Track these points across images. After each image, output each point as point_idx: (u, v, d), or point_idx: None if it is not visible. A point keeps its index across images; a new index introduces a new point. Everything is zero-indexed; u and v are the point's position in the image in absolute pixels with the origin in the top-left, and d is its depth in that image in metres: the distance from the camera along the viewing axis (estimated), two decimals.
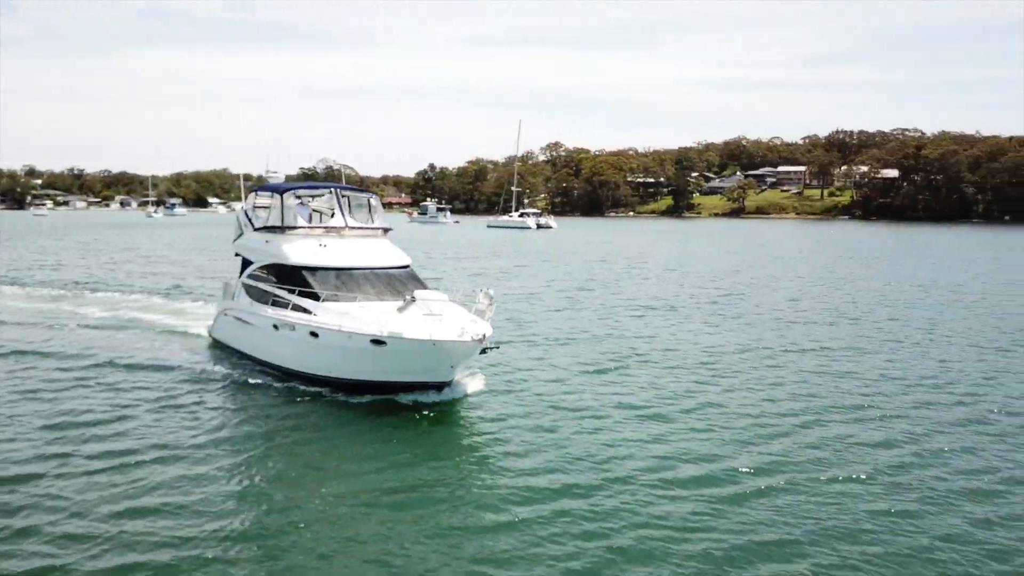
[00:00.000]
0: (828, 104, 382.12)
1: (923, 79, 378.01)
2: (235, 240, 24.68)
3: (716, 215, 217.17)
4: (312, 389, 18.64)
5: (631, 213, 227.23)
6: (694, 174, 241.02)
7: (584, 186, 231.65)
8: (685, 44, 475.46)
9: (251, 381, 19.65)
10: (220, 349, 23.45)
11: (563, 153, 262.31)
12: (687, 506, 12.02)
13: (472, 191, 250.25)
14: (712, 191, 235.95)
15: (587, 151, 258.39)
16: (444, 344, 16.87)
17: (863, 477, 13.19)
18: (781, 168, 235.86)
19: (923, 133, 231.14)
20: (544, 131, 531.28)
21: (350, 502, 12.25)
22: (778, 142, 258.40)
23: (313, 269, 20.02)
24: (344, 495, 12.49)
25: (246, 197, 25.62)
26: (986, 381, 20.20)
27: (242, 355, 22.25)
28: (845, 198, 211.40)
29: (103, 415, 16.34)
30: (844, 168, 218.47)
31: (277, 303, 20.54)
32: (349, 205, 22.84)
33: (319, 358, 18.95)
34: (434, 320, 17.21)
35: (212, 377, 20.20)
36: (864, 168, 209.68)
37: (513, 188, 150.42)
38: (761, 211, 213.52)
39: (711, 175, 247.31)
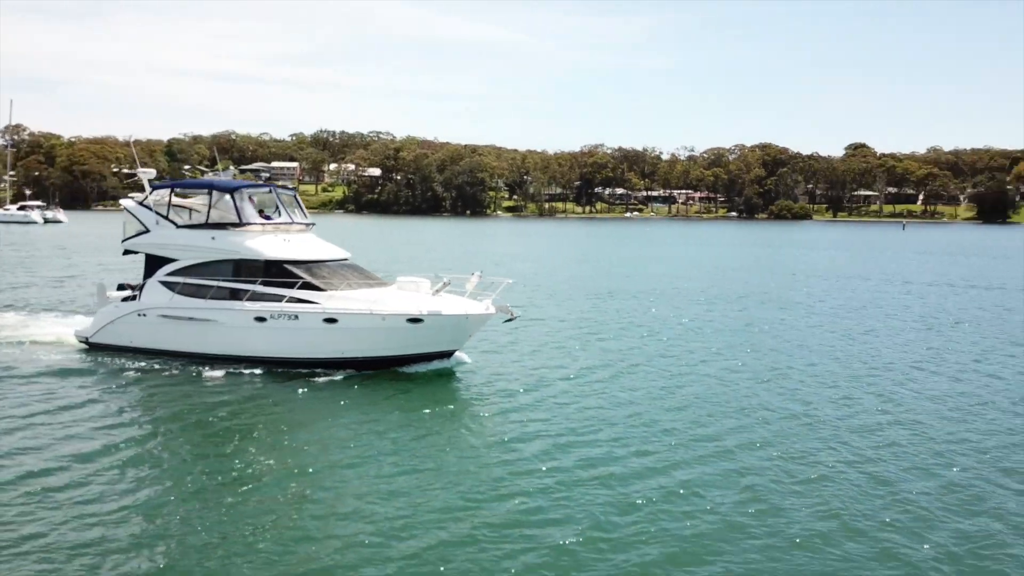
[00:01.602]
0: (306, 102, 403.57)
1: (384, 84, 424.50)
2: (131, 238, 23.85)
3: None
4: (288, 371, 21.25)
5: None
6: (187, 167, 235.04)
7: (63, 176, 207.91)
8: (142, 27, 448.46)
9: (214, 374, 21.27)
10: (117, 353, 23.01)
11: (27, 138, 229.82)
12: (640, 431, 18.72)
13: None
14: None
15: (59, 137, 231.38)
16: (476, 317, 21.06)
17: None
18: (275, 164, 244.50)
19: (394, 137, 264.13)
20: None
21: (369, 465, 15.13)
22: (267, 138, 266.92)
23: (296, 262, 21.57)
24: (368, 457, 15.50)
25: (150, 193, 24.40)
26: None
27: (174, 354, 22.37)
28: (338, 193, 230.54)
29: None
30: (334, 166, 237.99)
31: (257, 297, 21.36)
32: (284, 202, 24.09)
33: (336, 342, 21.06)
34: (450, 299, 21.30)
35: (144, 380, 20.82)
36: (352, 167, 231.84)
37: (7, 176, 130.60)
38: None
39: (204, 168, 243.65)
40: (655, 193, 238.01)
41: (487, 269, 21.98)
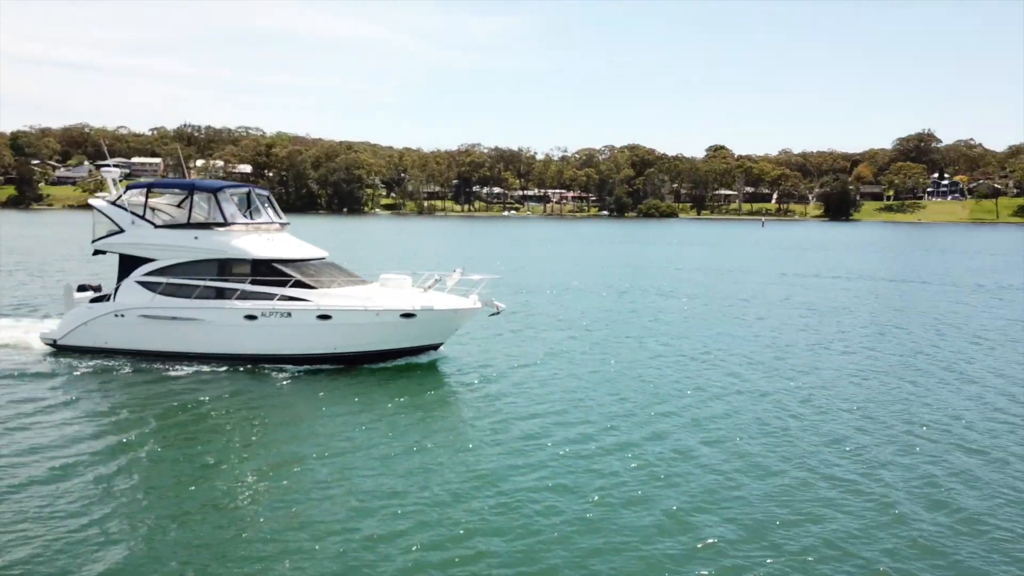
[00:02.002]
0: (166, 96, 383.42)
1: (250, 79, 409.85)
2: (104, 238, 23.49)
3: (71, 206, 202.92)
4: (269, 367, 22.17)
5: None
6: (36, 161, 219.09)
7: None
8: None
9: (206, 370, 21.88)
10: (92, 355, 22.98)
11: None
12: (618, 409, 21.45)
13: None
14: (61, 181, 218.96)
15: None
16: (464, 312, 22.41)
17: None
18: (136, 159, 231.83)
19: (264, 132, 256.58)
20: None
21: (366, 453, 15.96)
22: (125, 132, 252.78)
23: (284, 261, 22.15)
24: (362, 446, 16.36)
25: (120, 192, 24.20)
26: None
27: (156, 354, 22.52)
28: None
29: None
30: (202, 162, 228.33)
31: (247, 296, 22.00)
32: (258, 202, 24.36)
33: (329, 338, 21.94)
34: (441, 295, 22.60)
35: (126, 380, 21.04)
36: (220, 163, 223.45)
37: None
38: None
39: (56, 164, 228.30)
40: (530, 192, 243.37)
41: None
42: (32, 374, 21.50)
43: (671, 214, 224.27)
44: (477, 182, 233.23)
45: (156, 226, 23.45)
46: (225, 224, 23.10)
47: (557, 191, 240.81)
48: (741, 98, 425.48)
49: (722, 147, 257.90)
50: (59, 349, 23.71)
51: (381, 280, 23.79)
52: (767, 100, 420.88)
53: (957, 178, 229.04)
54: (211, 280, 22.64)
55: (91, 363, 22.68)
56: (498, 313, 23.81)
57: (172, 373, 21.74)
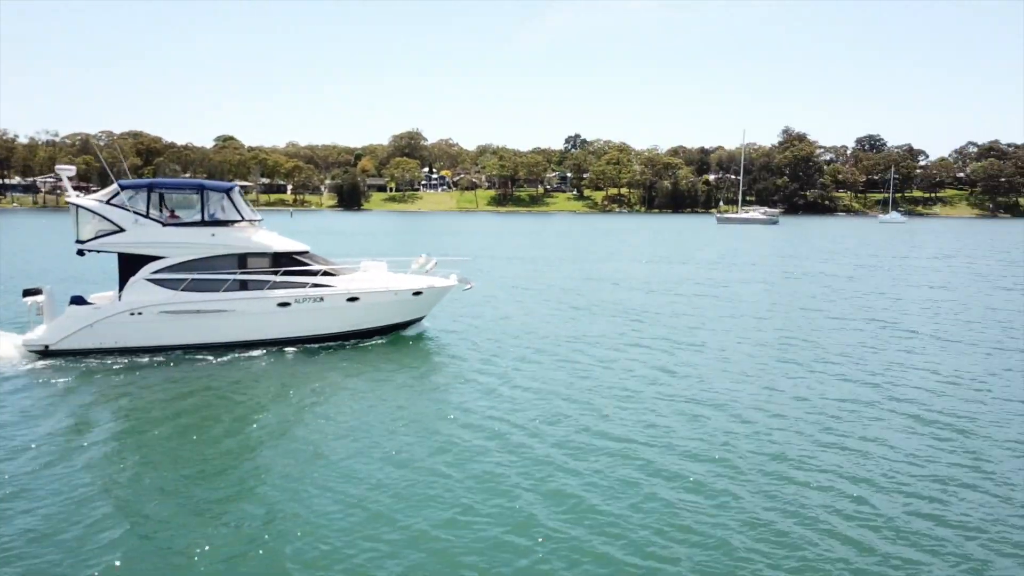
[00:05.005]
0: None
1: None
2: (98, 238, 22.85)
3: None
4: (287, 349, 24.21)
5: None
6: None
7: None
8: None
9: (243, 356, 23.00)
10: (100, 355, 22.67)
11: None
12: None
13: None
14: None
15: None
16: (451, 288, 27.05)
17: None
18: None
19: None
20: None
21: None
22: None
23: (299, 253, 24.58)
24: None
25: (118, 192, 23.30)
26: None
27: (179, 348, 23.05)
28: None
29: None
30: None
31: (278, 285, 23.79)
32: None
33: (355, 317, 24.86)
34: (429, 277, 26.81)
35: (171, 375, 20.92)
36: None
37: None
38: None
39: None
40: (12, 181, 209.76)
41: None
42: (46, 380, 20.67)
43: None
44: None
45: (164, 224, 23.29)
46: (239, 221, 24.40)
47: (49, 179, 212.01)
48: (248, 90, 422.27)
49: (231, 138, 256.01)
50: (51, 354, 22.77)
51: (363, 266, 26.56)
52: (271, 93, 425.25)
53: (443, 172, 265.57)
54: (240, 273, 23.76)
55: (103, 362, 22.47)
56: (470, 288, 28.68)
57: (197, 362, 22.52)
